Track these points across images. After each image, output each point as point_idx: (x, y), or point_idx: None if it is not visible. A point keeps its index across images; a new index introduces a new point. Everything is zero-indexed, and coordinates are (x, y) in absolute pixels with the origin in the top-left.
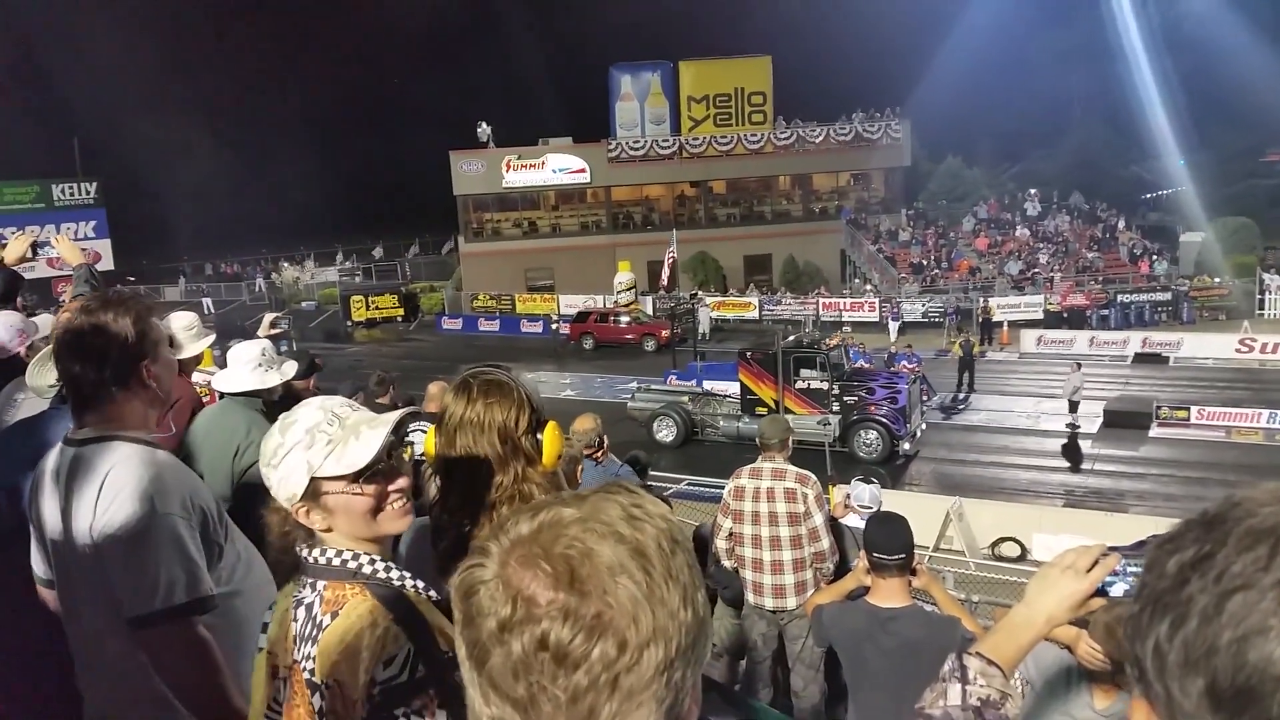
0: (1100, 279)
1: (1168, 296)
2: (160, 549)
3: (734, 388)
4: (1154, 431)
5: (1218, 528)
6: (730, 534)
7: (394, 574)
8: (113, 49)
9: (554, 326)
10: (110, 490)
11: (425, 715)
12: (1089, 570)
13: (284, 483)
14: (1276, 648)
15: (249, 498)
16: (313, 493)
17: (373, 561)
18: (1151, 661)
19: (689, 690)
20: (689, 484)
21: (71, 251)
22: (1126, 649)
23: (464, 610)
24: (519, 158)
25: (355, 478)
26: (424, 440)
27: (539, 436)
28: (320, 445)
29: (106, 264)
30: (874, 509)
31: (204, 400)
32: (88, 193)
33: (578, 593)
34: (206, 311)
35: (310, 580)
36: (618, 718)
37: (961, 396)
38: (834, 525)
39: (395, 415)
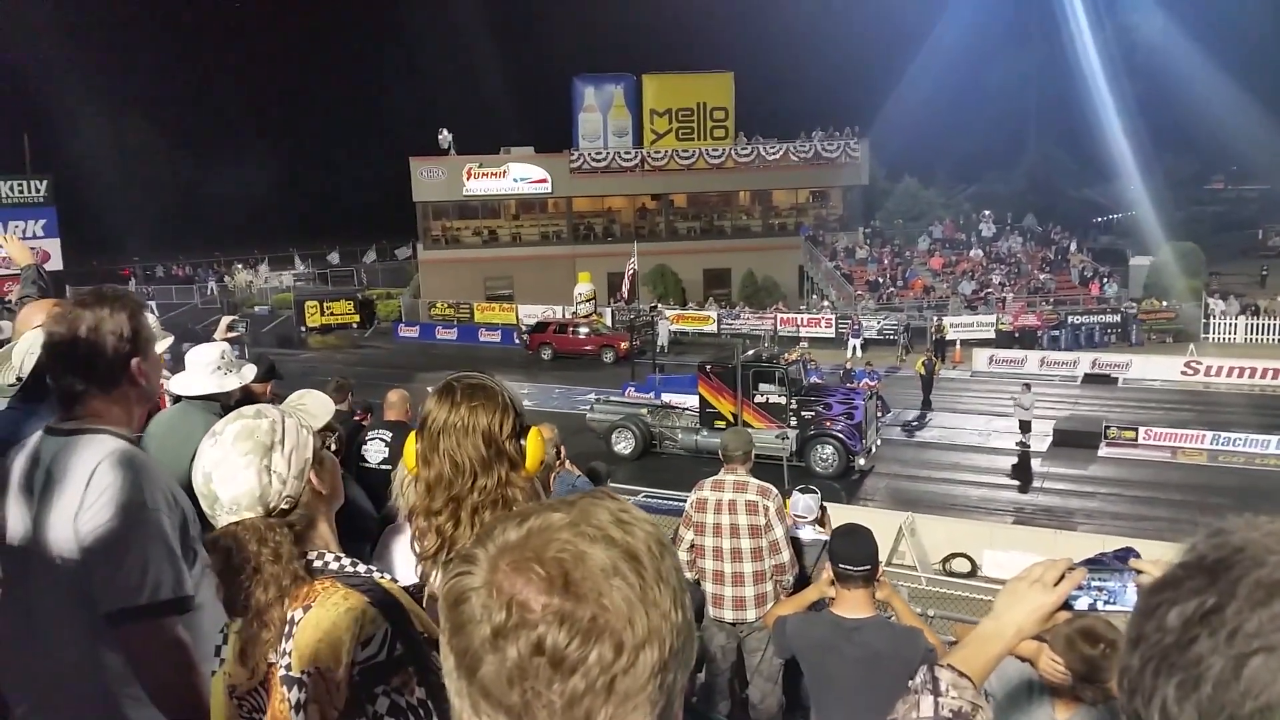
0: (1051, 300)
1: (1117, 319)
2: (149, 544)
3: (693, 401)
4: (1102, 451)
5: (1222, 576)
6: (691, 546)
7: (360, 567)
8: (68, 46)
9: (522, 338)
10: (100, 482)
11: (405, 693)
12: (1056, 584)
13: (301, 450)
14: None
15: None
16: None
17: (338, 558)
18: None
19: (679, 693)
20: (646, 496)
21: (21, 251)
22: (1124, 703)
23: (452, 618)
24: (480, 166)
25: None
26: (381, 447)
27: (523, 442)
28: (299, 414)
29: (55, 264)
30: (809, 518)
31: (157, 404)
32: (38, 190)
33: (573, 596)
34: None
35: None
36: None
37: (923, 414)
38: (792, 538)
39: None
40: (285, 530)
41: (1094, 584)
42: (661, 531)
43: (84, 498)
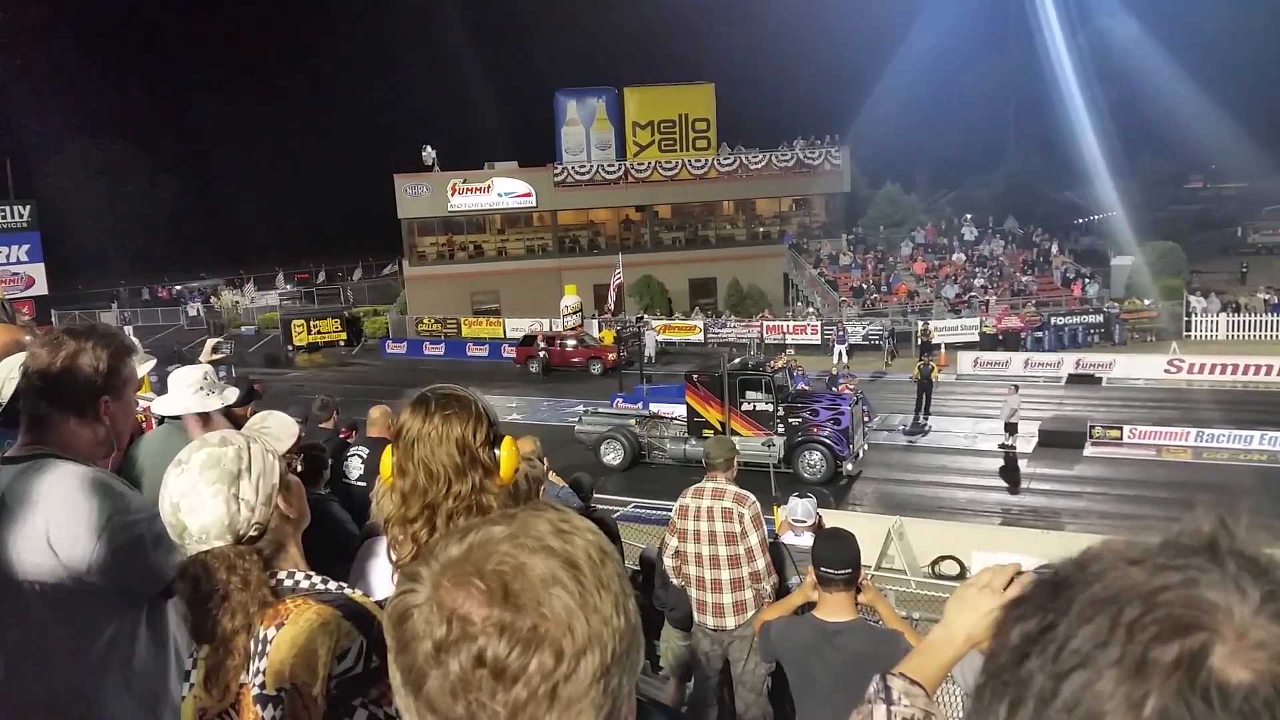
0: (1034, 302)
1: (1099, 319)
2: (160, 544)
3: (680, 410)
4: (1088, 450)
5: (1063, 594)
6: (676, 552)
7: (331, 584)
8: (48, 70)
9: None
10: (80, 504)
11: (383, 704)
12: (1005, 588)
13: (268, 475)
14: None
15: None
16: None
17: (309, 577)
18: None
19: (625, 697)
20: (636, 506)
21: None
22: None
23: (397, 636)
24: (464, 181)
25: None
26: (359, 464)
27: (497, 451)
28: (266, 439)
29: (40, 288)
30: (807, 522)
31: (142, 426)
32: (21, 215)
33: (512, 607)
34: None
35: None
36: None
37: (922, 420)
38: (772, 546)
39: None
40: (254, 557)
41: None
42: (603, 539)
43: (66, 521)
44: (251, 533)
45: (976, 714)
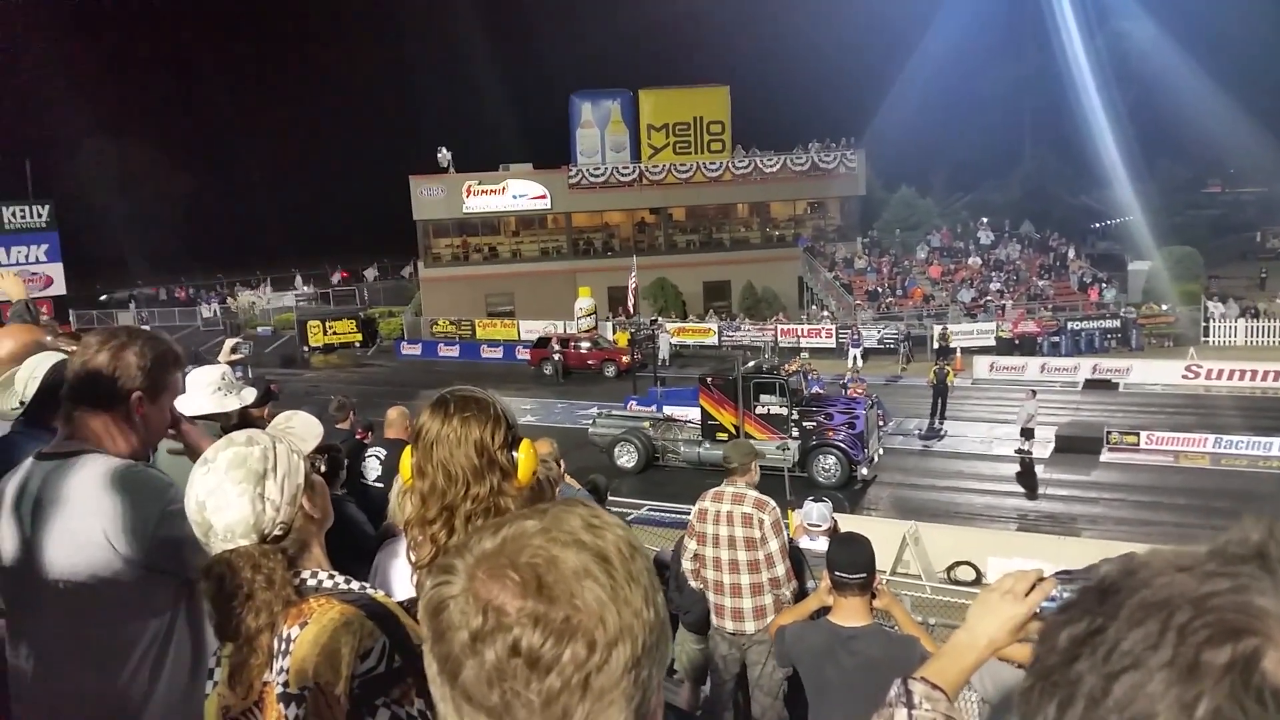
0: (1051, 306)
1: (1116, 324)
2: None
3: (694, 413)
4: (1105, 456)
5: (1111, 599)
6: (695, 555)
7: (354, 584)
8: (67, 70)
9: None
10: (125, 497)
11: (404, 704)
12: (1027, 594)
13: (293, 475)
14: None
15: None
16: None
17: (331, 576)
18: None
19: (655, 689)
20: (650, 509)
21: (16, 287)
22: None
23: (433, 627)
24: (479, 183)
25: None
26: (376, 465)
27: (515, 454)
28: (291, 439)
29: (59, 288)
30: (823, 526)
31: None
32: (40, 215)
33: (546, 599)
34: None
35: None
36: (590, 717)
37: (938, 424)
38: (792, 551)
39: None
40: (279, 556)
41: (1066, 594)
42: (632, 534)
43: (121, 513)
44: (276, 532)
45: (1024, 714)
